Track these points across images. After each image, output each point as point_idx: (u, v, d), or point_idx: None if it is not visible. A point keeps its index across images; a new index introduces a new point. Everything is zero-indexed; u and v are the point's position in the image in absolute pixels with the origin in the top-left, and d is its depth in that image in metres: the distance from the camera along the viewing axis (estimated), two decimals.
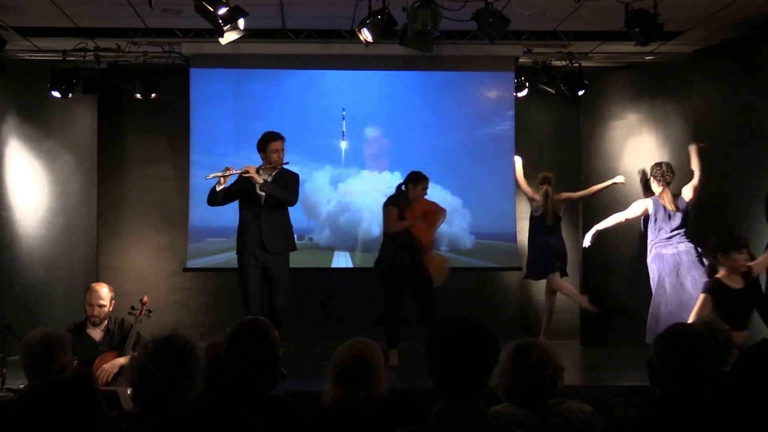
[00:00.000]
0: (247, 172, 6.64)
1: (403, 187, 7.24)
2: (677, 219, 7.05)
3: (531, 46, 8.35)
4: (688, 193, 7.23)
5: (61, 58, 8.13)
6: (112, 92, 8.61)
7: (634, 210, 7.27)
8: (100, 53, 8.12)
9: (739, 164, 7.61)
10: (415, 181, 7.19)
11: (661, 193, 7.12)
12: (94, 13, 7.27)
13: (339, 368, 3.20)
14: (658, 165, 7.31)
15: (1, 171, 8.03)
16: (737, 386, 2.58)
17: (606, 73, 9.13)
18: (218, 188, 6.67)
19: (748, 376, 2.59)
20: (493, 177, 8.68)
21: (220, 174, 6.65)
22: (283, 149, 6.76)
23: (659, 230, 7.05)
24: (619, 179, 7.99)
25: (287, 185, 6.82)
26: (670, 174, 7.22)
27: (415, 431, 2.45)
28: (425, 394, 2.69)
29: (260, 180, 6.67)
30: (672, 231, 7.01)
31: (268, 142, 6.73)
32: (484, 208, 8.61)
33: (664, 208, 7.06)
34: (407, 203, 7.15)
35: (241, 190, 6.76)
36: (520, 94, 8.80)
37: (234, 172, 6.67)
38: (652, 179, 7.24)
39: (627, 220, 7.39)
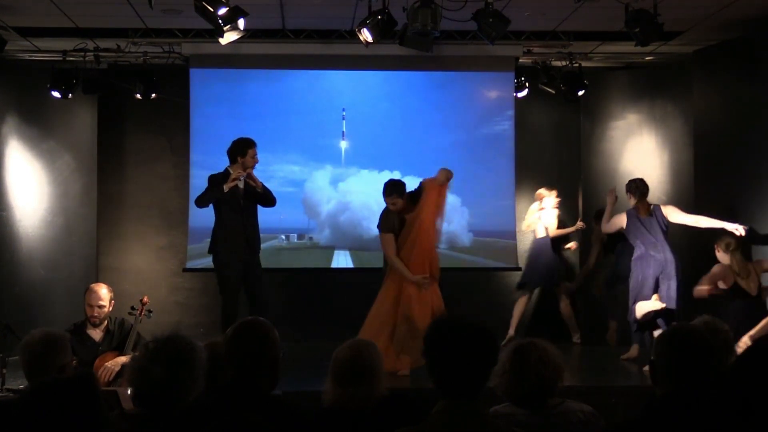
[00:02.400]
0: (250, 176, 6.84)
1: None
2: (653, 224, 7.07)
3: (531, 46, 8.35)
4: (671, 214, 7.14)
5: (61, 59, 8.14)
6: (112, 92, 8.61)
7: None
8: (100, 53, 8.13)
9: (739, 164, 7.61)
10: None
11: (636, 204, 7.15)
12: (94, 13, 7.27)
13: (339, 368, 3.20)
14: (632, 181, 7.31)
15: (1, 171, 8.03)
16: (737, 386, 2.57)
17: (606, 73, 9.13)
18: (226, 188, 6.76)
19: (748, 376, 2.58)
20: (492, 177, 8.68)
21: (235, 182, 6.78)
22: (256, 154, 6.94)
23: (639, 236, 7.10)
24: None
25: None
26: (645, 187, 7.21)
27: (415, 431, 2.45)
28: (425, 394, 2.69)
29: (260, 183, 6.89)
30: (656, 236, 7.03)
31: (249, 147, 6.88)
32: (484, 206, 8.62)
33: (638, 217, 7.11)
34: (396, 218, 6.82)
35: (225, 192, 6.85)
36: (520, 94, 8.81)
37: (242, 175, 6.81)
38: (628, 195, 7.24)
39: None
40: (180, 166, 8.96)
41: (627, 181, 7.39)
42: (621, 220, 7.20)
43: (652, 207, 7.16)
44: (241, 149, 6.87)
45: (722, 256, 6.62)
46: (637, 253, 7.14)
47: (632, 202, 7.17)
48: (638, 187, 7.20)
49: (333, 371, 3.22)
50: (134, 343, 5.65)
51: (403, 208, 6.73)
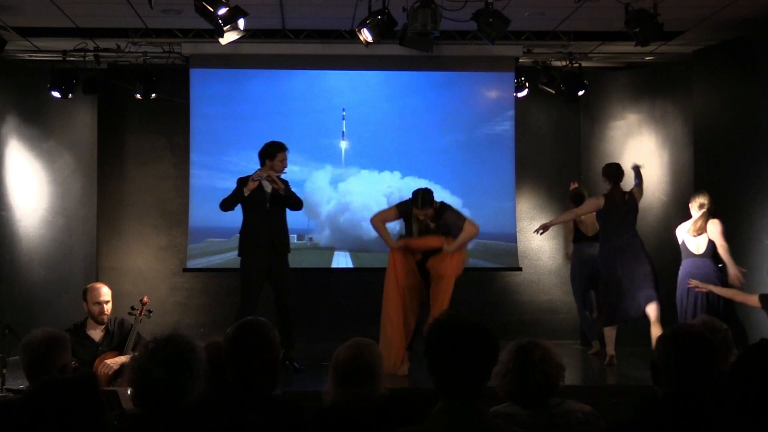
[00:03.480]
0: (270, 177, 6.78)
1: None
2: (630, 208, 7.12)
3: (531, 46, 8.35)
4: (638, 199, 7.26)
5: (61, 59, 8.14)
6: (112, 92, 8.62)
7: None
8: (100, 53, 8.13)
9: (739, 164, 7.61)
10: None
11: (611, 189, 7.17)
12: (94, 13, 7.27)
13: (339, 368, 3.21)
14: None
15: (1, 171, 8.03)
16: (737, 386, 2.57)
17: (606, 73, 9.13)
18: (246, 192, 6.76)
19: (748, 376, 2.58)
20: (493, 177, 8.69)
21: (256, 183, 6.76)
22: (286, 158, 6.89)
23: (611, 222, 7.15)
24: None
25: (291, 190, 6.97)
26: (619, 172, 7.26)
27: (415, 431, 2.44)
28: (425, 394, 2.69)
29: (282, 185, 6.81)
30: (624, 224, 7.07)
31: (278, 151, 6.84)
32: (484, 208, 8.60)
33: (615, 202, 7.15)
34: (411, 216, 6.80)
35: (248, 194, 6.82)
36: (520, 94, 8.81)
37: (262, 177, 6.79)
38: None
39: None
40: (180, 166, 8.96)
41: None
42: (599, 201, 7.21)
43: (627, 195, 7.18)
44: (271, 153, 6.85)
45: (694, 212, 6.81)
46: (606, 245, 7.17)
47: (607, 186, 7.23)
48: (614, 173, 7.24)
49: (333, 371, 3.22)
50: (134, 343, 5.65)
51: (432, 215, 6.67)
